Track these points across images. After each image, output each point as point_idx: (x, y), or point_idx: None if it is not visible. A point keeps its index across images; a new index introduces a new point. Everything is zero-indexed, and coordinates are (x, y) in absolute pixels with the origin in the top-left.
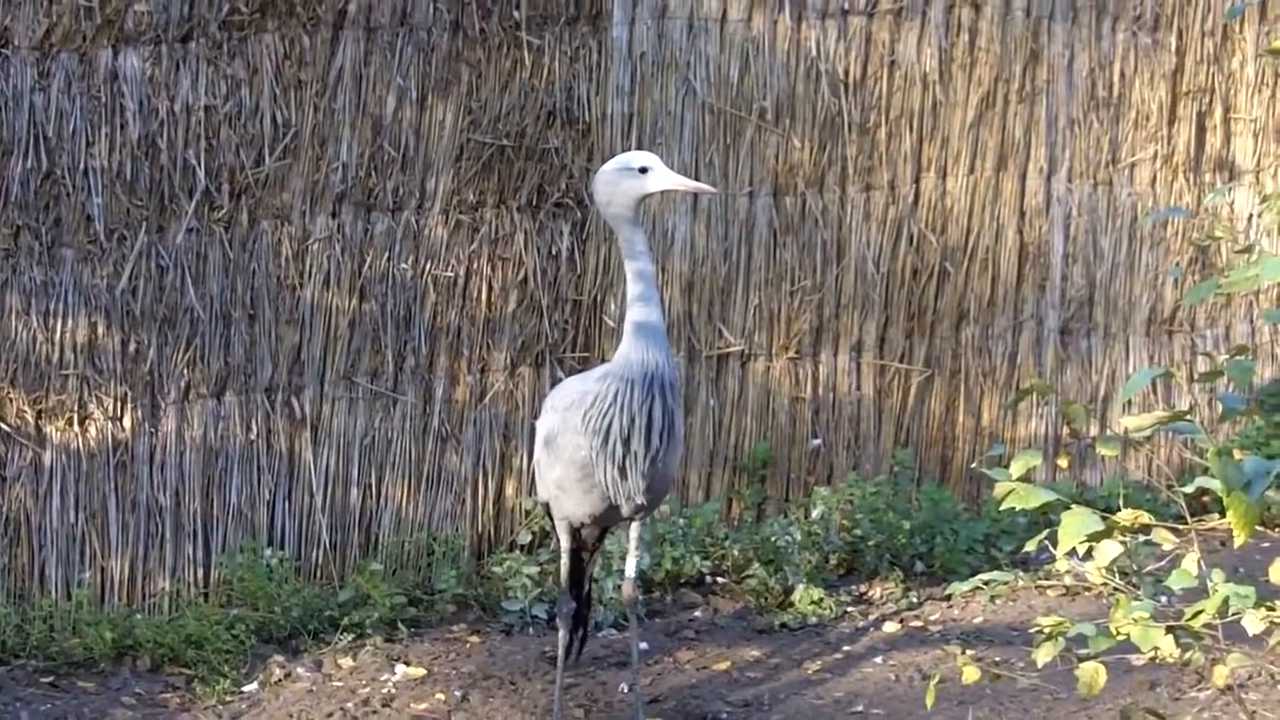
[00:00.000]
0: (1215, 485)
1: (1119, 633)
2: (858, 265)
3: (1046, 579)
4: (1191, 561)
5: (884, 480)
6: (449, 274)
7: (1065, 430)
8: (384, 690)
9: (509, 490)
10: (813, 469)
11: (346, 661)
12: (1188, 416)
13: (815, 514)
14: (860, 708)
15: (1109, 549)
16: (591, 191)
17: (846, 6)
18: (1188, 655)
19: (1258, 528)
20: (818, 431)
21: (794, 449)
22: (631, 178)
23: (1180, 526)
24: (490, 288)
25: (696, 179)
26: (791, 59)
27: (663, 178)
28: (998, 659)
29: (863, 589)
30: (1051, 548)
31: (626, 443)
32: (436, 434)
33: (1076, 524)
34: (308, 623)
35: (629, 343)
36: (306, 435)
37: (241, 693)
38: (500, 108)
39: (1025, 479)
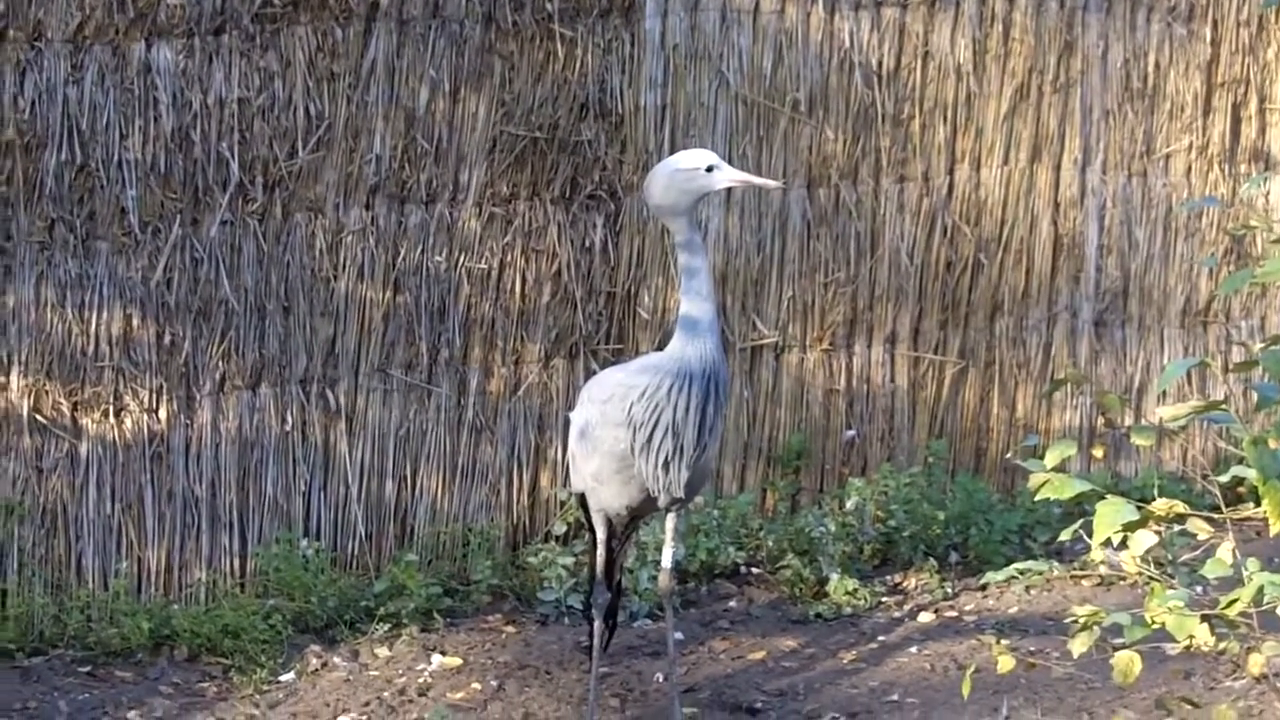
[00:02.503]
0: (1251, 474)
1: (1154, 622)
2: (891, 257)
3: (1082, 569)
4: (1227, 550)
5: (918, 471)
6: (483, 266)
7: (1100, 421)
8: (420, 680)
9: (543, 481)
10: (847, 460)
11: (383, 651)
12: (1223, 406)
13: (850, 505)
14: (895, 697)
15: (1144, 539)
16: (644, 189)
17: None
18: (1223, 644)
19: None
20: (852, 423)
21: (828, 440)
22: (698, 176)
23: (1215, 516)
24: (524, 280)
25: None
26: (825, 50)
27: (730, 174)
28: (1033, 648)
29: (897, 579)
30: (1086, 538)
31: (676, 437)
32: (471, 425)
33: (1111, 514)
34: (344, 613)
35: (684, 337)
36: (341, 427)
37: (278, 682)
38: (533, 100)
39: (1060, 469)
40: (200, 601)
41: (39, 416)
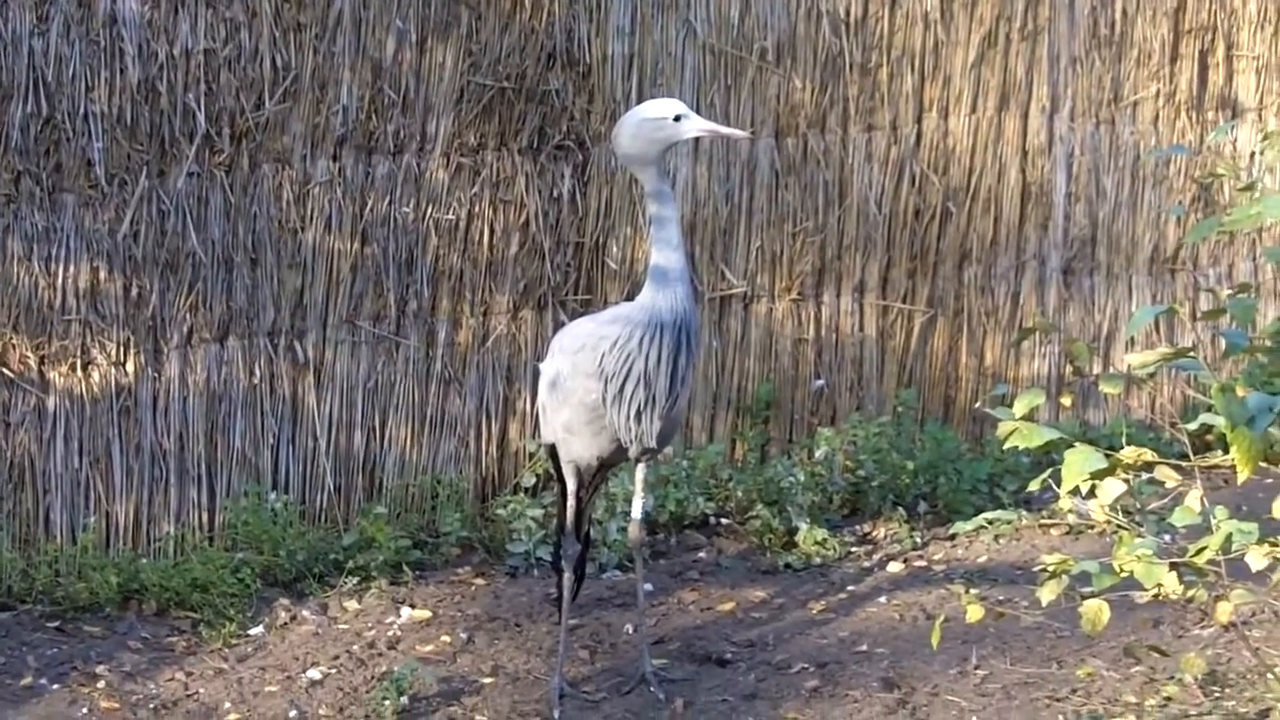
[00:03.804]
0: (1219, 422)
1: (1122, 570)
2: (860, 206)
3: (1050, 518)
4: (1195, 498)
5: (887, 421)
6: (450, 217)
7: (1068, 369)
8: (390, 633)
9: (512, 433)
10: (816, 410)
11: (352, 604)
12: (1191, 354)
13: (819, 455)
14: (864, 647)
15: (1112, 487)
16: (613, 138)
17: None
18: (1191, 592)
19: (1261, 464)
20: (821, 372)
21: (797, 390)
22: (665, 125)
23: (1184, 464)
24: (492, 231)
25: None
26: None
27: (697, 124)
28: (1002, 598)
29: (867, 529)
30: (1055, 487)
31: (648, 387)
32: (439, 377)
33: (1080, 461)
34: (313, 566)
35: (654, 287)
36: (309, 379)
37: (247, 636)
38: (500, 50)
39: (1029, 418)
40: (169, 555)
41: (6, 370)
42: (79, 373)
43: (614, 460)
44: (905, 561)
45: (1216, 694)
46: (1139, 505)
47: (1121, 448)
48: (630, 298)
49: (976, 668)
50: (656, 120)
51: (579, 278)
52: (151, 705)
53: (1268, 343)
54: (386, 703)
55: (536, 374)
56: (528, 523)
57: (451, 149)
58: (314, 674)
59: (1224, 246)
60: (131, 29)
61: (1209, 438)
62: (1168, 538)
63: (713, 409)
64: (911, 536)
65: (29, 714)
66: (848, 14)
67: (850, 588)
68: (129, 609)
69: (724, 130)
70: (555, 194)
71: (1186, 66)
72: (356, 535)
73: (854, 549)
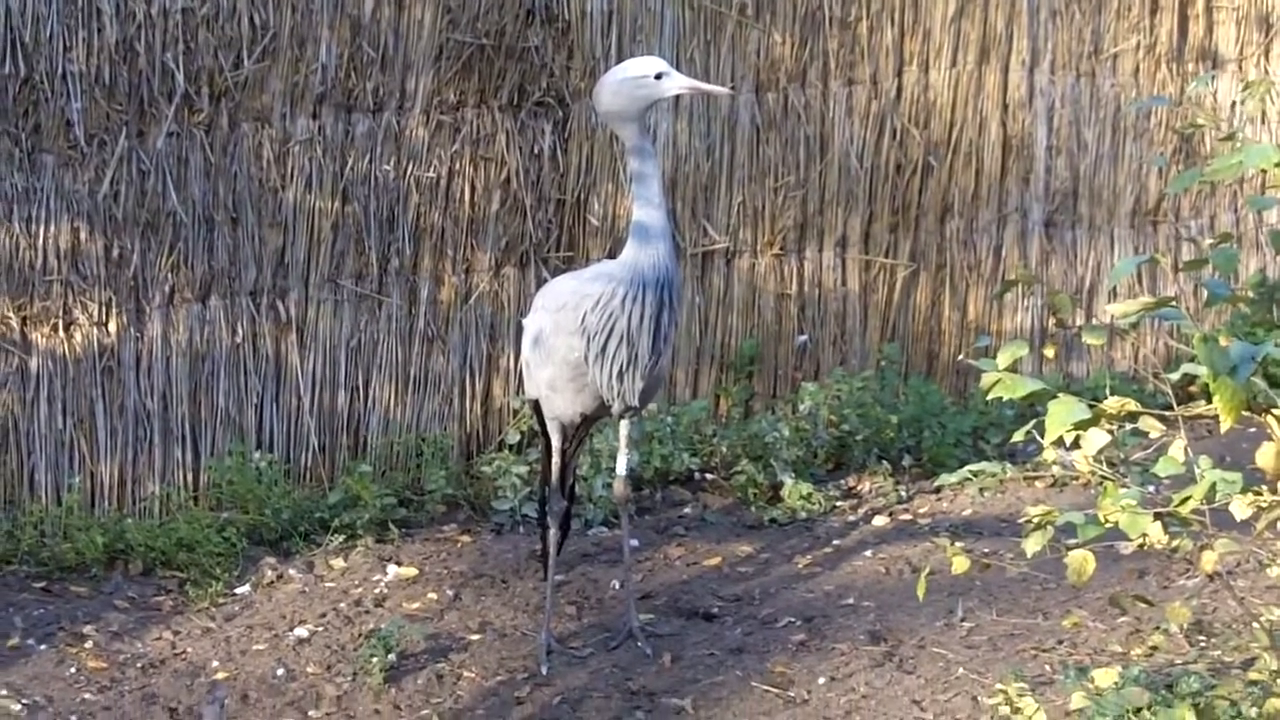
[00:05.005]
0: (1201, 372)
1: (1107, 521)
2: (841, 161)
3: (1034, 470)
4: (1178, 449)
5: (871, 375)
6: (431, 175)
7: (1051, 321)
8: (376, 590)
9: (496, 390)
10: (799, 365)
11: (338, 563)
12: (1173, 303)
13: (803, 409)
14: (851, 600)
15: (1096, 438)
16: (594, 96)
17: None
18: (1176, 542)
19: (1244, 413)
20: (804, 327)
21: (781, 345)
22: (647, 84)
23: (1167, 414)
24: (473, 188)
25: None
26: None
27: (679, 81)
28: (987, 550)
29: (851, 483)
30: (1039, 438)
31: (631, 345)
32: (422, 335)
33: (1063, 412)
34: (298, 525)
35: (636, 244)
36: (292, 338)
37: (234, 595)
38: (479, 6)
39: (1012, 370)
40: (154, 515)
41: None
42: (61, 333)
43: (597, 416)
44: (890, 515)
45: (1202, 643)
46: (1123, 456)
47: (1105, 399)
48: (612, 254)
49: (962, 620)
50: (638, 78)
51: (561, 234)
52: (139, 664)
53: (1250, 293)
54: (374, 660)
55: (520, 329)
56: (513, 479)
57: (431, 106)
58: (301, 632)
59: (1205, 197)
60: None
61: (1192, 388)
62: (1152, 488)
63: (696, 365)
64: (896, 490)
65: (17, 674)
66: None
67: (835, 542)
68: (115, 569)
69: (705, 86)
70: (536, 151)
71: (1166, 18)
72: (342, 494)
73: (839, 503)
